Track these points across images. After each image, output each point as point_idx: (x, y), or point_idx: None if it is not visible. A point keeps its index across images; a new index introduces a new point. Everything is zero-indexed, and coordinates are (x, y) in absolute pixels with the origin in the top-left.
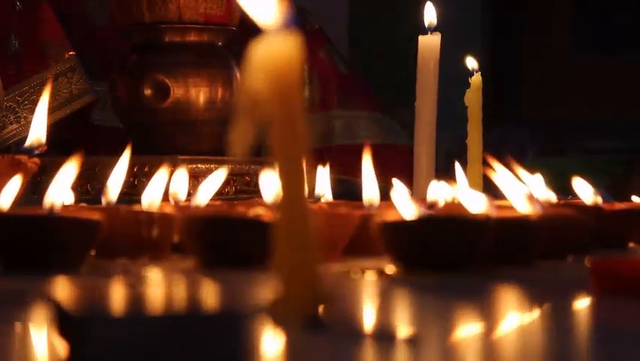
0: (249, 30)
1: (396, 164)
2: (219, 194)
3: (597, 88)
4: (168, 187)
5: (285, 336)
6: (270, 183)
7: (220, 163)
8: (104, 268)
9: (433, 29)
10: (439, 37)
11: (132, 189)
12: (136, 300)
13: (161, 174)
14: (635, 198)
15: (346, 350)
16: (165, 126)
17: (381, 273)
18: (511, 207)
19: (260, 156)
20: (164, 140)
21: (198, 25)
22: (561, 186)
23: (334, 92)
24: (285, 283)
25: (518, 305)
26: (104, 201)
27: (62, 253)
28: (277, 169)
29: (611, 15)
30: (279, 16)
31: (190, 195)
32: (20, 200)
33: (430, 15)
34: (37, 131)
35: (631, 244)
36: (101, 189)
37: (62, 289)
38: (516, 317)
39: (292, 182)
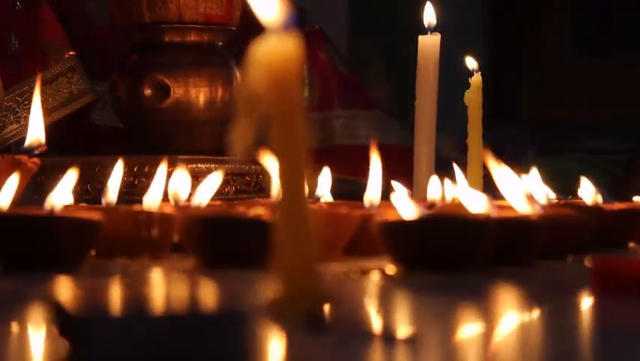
0: (249, 30)
1: (396, 164)
2: (219, 194)
3: (597, 88)
4: (168, 187)
5: (285, 336)
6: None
7: (220, 163)
8: (104, 268)
9: (432, 29)
10: (439, 37)
11: (132, 189)
12: (136, 300)
13: (162, 174)
14: (635, 198)
15: (346, 350)
16: (165, 126)
17: (381, 273)
18: (511, 207)
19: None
20: (164, 140)
21: (198, 25)
22: (561, 186)
23: (334, 92)
24: (285, 283)
25: (518, 305)
26: (103, 201)
27: (62, 253)
28: (277, 169)
29: (611, 15)
30: (280, 16)
31: (191, 195)
32: (21, 200)
33: (429, 15)
34: (36, 132)
35: (631, 244)
36: (101, 189)
37: (62, 289)
38: (516, 316)
39: (292, 182)
